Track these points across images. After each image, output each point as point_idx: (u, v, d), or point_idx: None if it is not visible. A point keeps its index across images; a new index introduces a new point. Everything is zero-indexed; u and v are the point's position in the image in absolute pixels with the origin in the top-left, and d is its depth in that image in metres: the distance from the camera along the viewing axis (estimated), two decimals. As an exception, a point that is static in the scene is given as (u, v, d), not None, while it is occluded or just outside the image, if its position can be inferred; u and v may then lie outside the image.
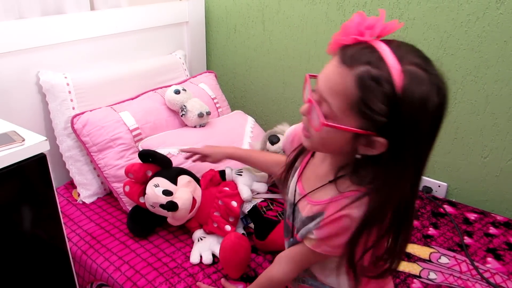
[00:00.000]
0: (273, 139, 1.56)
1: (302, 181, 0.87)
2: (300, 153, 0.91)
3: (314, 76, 0.74)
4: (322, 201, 0.79)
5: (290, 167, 0.92)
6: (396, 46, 0.66)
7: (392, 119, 0.64)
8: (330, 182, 0.78)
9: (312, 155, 0.88)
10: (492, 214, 1.47)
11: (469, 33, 1.39)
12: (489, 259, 1.26)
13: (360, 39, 0.67)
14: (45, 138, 1.03)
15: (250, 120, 1.77)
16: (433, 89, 0.64)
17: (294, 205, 0.87)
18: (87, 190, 1.53)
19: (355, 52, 0.66)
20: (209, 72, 1.91)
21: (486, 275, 1.19)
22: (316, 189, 0.81)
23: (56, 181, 1.09)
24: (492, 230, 1.38)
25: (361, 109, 0.65)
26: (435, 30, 1.44)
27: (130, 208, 1.39)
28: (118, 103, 1.57)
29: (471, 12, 1.36)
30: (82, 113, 1.46)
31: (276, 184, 0.97)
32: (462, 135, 1.51)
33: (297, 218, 0.86)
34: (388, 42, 0.67)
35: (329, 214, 0.76)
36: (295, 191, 0.88)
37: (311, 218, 0.80)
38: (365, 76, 0.64)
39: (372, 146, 0.68)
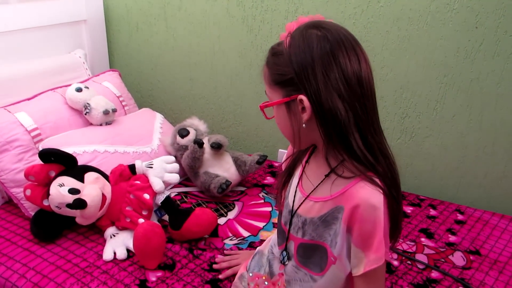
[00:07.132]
0: (183, 132, 1.57)
1: (303, 184, 0.87)
2: (294, 161, 0.92)
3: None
4: (333, 194, 0.79)
5: (287, 175, 0.92)
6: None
7: (295, 72, 0.72)
8: (328, 174, 0.80)
9: (308, 160, 0.89)
10: (388, 188, 1.62)
11: (357, 24, 1.53)
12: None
13: None
14: None
15: (158, 117, 1.75)
16: (311, 35, 0.73)
17: (295, 211, 0.87)
18: (-19, 200, 1.40)
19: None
20: (112, 70, 1.86)
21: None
22: (318, 185, 0.82)
23: None
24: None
25: (276, 81, 0.77)
26: (327, 22, 1.56)
27: (33, 214, 1.30)
28: (13, 104, 1.46)
29: (357, 5, 1.50)
30: (-30, 115, 1.34)
31: (276, 201, 0.96)
32: (357, 118, 1.65)
33: (298, 222, 0.86)
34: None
35: (348, 205, 0.76)
36: (294, 196, 0.88)
37: (329, 217, 0.80)
38: (268, 57, 0.80)
39: (303, 111, 0.74)
